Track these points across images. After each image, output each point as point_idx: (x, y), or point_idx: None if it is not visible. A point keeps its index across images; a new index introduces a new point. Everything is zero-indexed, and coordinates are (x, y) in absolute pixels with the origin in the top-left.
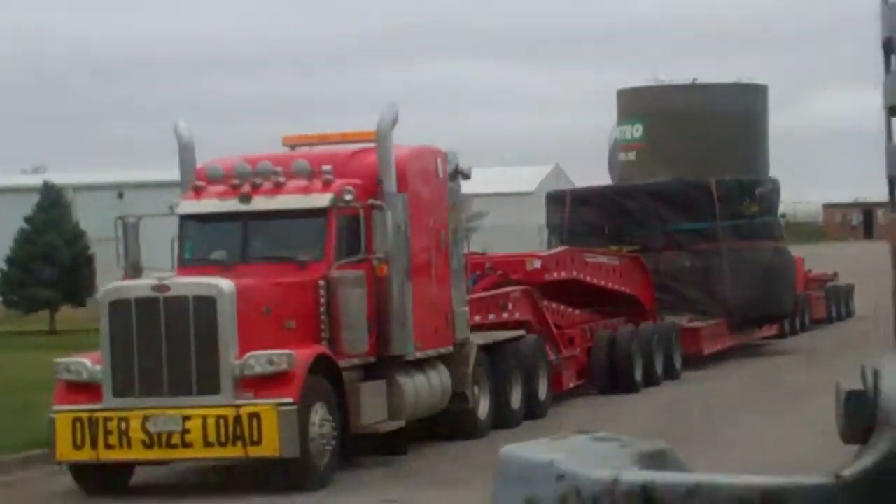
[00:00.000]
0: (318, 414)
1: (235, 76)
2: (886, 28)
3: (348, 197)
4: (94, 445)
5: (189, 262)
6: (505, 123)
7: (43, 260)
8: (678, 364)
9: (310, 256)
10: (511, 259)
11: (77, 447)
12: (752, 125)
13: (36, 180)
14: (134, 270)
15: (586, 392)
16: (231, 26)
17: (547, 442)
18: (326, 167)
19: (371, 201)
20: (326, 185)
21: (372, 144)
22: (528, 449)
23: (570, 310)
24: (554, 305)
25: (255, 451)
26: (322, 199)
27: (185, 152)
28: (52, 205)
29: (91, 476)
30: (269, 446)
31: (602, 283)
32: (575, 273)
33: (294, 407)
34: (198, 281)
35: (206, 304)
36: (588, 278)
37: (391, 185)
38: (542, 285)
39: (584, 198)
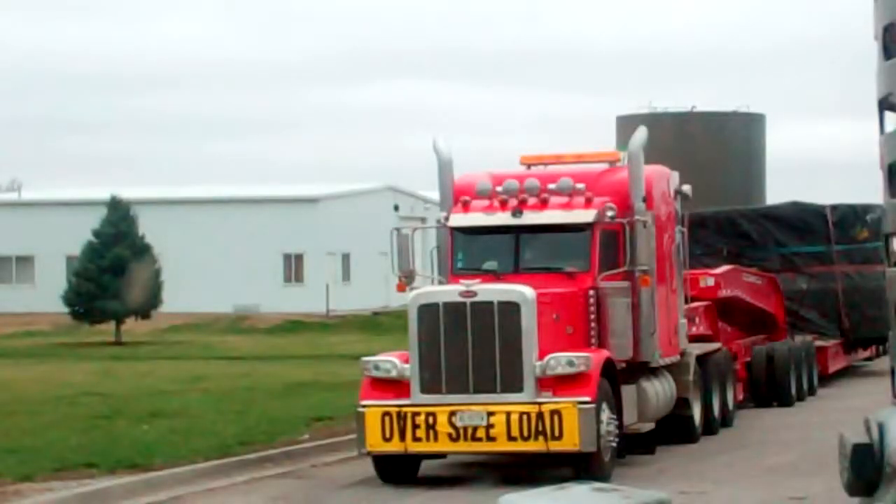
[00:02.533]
0: (605, 413)
1: (177, 93)
2: (880, 18)
3: (610, 213)
4: (402, 438)
5: (461, 271)
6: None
7: (111, 273)
8: (815, 381)
9: (576, 268)
10: (685, 275)
11: (386, 439)
12: (750, 153)
13: (102, 194)
14: (407, 278)
15: (744, 405)
16: (174, 44)
17: (548, 492)
18: (580, 185)
19: (637, 217)
20: (588, 202)
21: (605, 165)
22: (531, 499)
23: (724, 325)
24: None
25: (555, 446)
26: (587, 215)
27: (445, 167)
28: (121, 219)
29: (389, 465)
30: (570, 441)
31: (757, 301)
32: (739, 292)
33: (592, 405)
34: (503, 287)
35: (511, 309)
36: (748, 296)
37: (642, 203)
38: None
39: (701, 220)
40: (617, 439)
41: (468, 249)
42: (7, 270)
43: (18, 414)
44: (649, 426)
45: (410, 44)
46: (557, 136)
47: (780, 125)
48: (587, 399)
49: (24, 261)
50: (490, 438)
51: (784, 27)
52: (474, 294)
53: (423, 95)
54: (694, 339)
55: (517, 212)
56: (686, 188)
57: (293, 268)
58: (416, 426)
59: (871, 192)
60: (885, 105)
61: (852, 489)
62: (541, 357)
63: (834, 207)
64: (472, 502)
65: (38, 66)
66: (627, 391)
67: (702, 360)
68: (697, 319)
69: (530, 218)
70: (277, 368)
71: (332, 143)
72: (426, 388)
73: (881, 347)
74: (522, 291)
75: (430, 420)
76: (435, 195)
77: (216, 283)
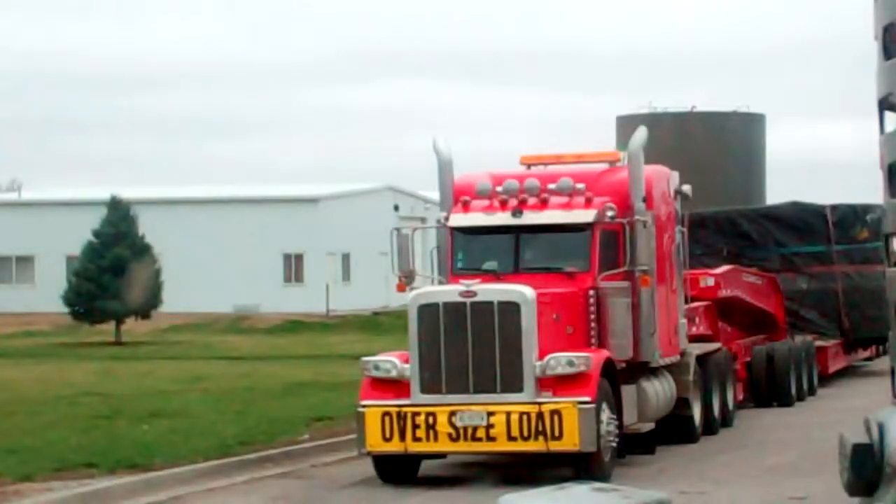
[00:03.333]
0: (605, 413)
1: (180, 94)
2: (880, 18)
3: (610, 213)
4: (402, 438)
5: (461, 271)
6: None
7: (111, 273)
8: (815, 381)
9: (576, 268)
10: (685, 275)
11: (386, 439)
12: (750, 153)
13: (102, 194)
14: (407, 278)
15: (744, 405)
16: (174, 44)
17: (548, 492)
18: (580, 185)
19: (637, 217)
20: (588, 202)
21: (605, 165)
22: (531, 499)
23: (724, 325)
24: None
25: (555, 446)
26: (587, 215)
27: (445, 167)
28: (121, 219)
29: (389, 465)
30: (570, 441)
31: (757, 301)
32: (739, 292)
33: (592, 405)
34: (503, 287)
35: (511, 309)
36: (748, 296)
37: (642, 203)
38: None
39: (701, 220)
40: (617, 439)
41: (468, 249)
42: (7, 270)
43: (18, 414)
44: (649, 426)
45: (410, 44)
46: (557, 136)
47: (780, 125)
48: (587, 399)
49: (24, 261)
50: (490, 438)
51: (784, 27)
52: (474, 294)
53: (423, 95)
54: (694, 339)
55: (517, 212)
56: (686, 188)
57: (293, 268)
58: (416, 426)
59: (871, 192)
60: (885, 105)
61: (852, 489)
62: (541, 357)
63: (834, 207)
64: (472, 502)
65: (38, 66)
66: (627, 391)
67: (702, 360)
68: (697, 319)
69: (530, 218)
70: (277, 368)
71: (332, 143)
72: (426, 388)
73: (881, 347)
74: (522, 291)
75: (430, 420)
76: (435, 195)
77: (216, 283)
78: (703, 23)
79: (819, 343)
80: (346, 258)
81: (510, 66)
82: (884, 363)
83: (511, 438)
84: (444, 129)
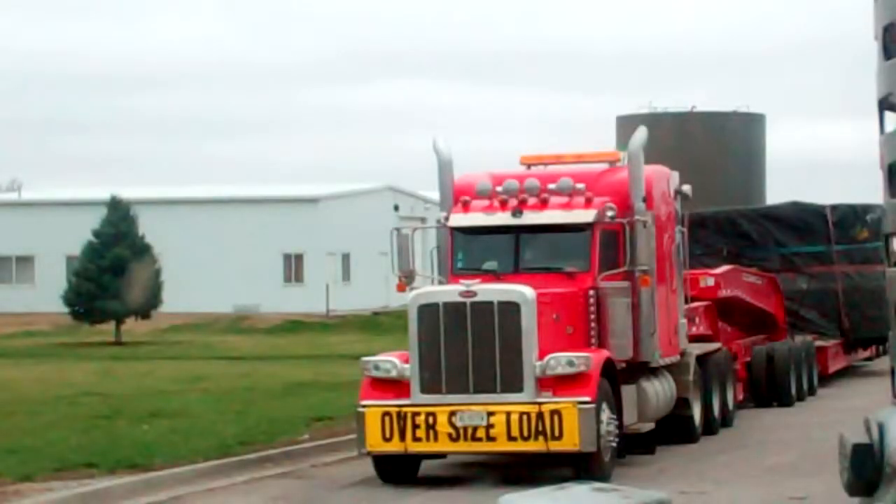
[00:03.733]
0: (605, 413)
1: (180, 94)
2: (880, 18)
3: (610, 213)
4: (402, 438)
5: (461, 271)
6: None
7: (111, 273)
8: (815, 381)
9: (576, 268)
10: (685, 275)
11: (386, 439)
12: (750, 153)
13: (102, 194)
14: (407, 278)
15: (744, 405)
16: (174, 44)
17: (548, 492)
18: (580, 185)
19: (637, 217)
20: (588, 202)
21: (605, 165)
22: (531, 499)
23: (724, 325)
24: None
25: (555, 446)
26: (587, 215)
27: (445, 167)
28: (121, 219)
29: (389, 465)
30: (570, 441)
31: (757, 301)
32: (739, 292)
33: (592, 405)
34: (503, 287)
35: (511, 309)
36: (748, 296)
37: (642, 203)
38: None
39: (701, 220)
40: (617, 439)
41: (468, 249)
42: (7, 270)
43: (18, 414)
44: (649, 426)
45: (410, 44)
46: (557, 136)
47: (780, 125)
48: (587, 399)
49: (24, 261)
50: (490, 438)
51: (784, 27)
52: (474, 294)
53: (423, 95)
54: (694, 339)
55: (517, 212)
56: (686, 188)
57: (293, 268)
58: (416, 426)
59: (871, 192)
60: (885, 105)
61: (852, 489)
62: (541, 357)
63: (834, 207)
64: (472, 502)
65: (38, 66)
66: (627, 391)
67: (702, 360)
68: (697, 319)
69: (530, 218)
70: (277, 368)
71: (332, 143)
72: (426, 388)
73: (881, 347)
74: (522, 291)
75: (430, 420)
76: (435, 195)
77: (216, 283)
78: (703, 23)
79: (819, 343)
80: (346, 258)
81: (510, 66)
82: (884, 363)
83: (511, 438)
84: (444, 129)
